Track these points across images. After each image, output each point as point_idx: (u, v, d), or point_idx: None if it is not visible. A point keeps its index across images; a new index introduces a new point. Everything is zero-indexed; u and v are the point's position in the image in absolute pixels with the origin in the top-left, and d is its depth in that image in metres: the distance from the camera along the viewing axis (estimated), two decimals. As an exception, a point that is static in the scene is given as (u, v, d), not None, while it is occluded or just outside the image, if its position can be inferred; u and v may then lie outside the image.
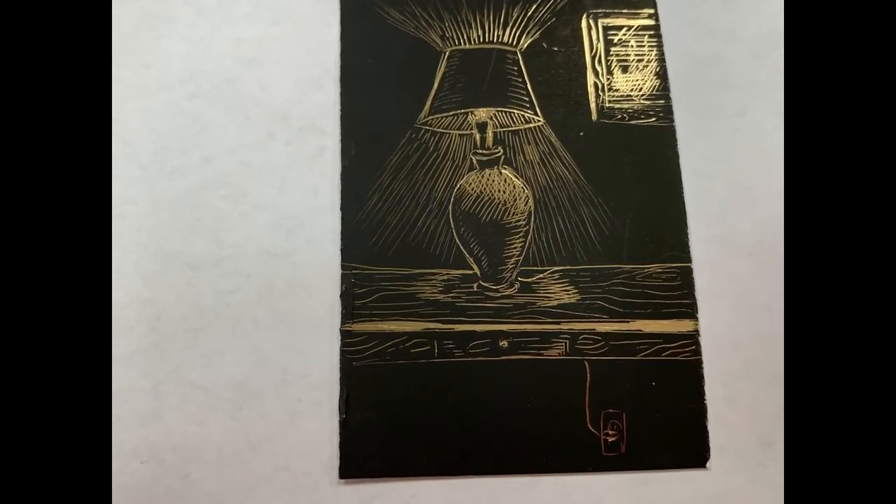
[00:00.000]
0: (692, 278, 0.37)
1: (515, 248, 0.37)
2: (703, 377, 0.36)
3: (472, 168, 0.39)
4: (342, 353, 0.35)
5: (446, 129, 0.39)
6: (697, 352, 0.36)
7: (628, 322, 0.36)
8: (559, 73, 0.40)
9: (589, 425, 0.35)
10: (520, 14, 0.41)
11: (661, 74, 0.41)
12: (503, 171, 0.39)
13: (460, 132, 0.39)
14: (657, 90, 0.40)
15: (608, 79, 0.40)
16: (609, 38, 0.41)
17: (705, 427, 0.35)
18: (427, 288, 0.36)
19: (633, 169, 0.39)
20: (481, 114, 0.39)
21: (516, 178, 0.39)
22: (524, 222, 0.38)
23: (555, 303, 0.37)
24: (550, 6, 0.41)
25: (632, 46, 0.41)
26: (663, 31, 0.41)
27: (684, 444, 0.35)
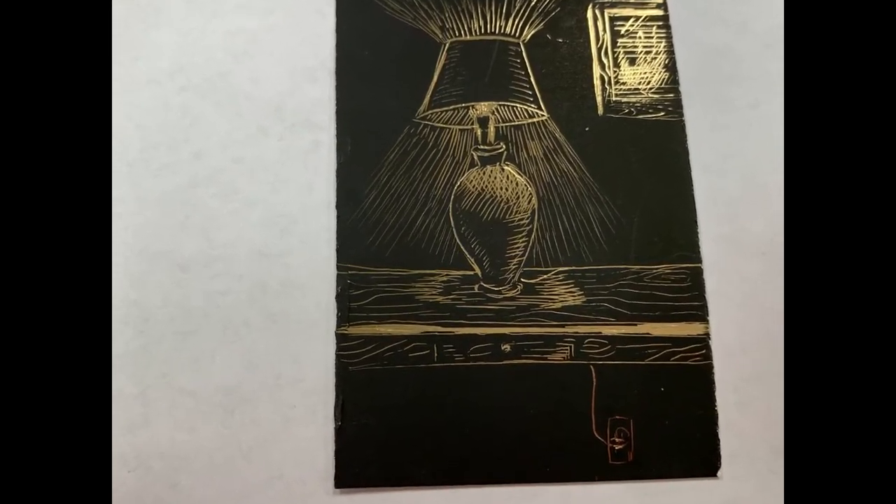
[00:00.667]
0: (702, 279, 0.37)
1: (518, 247, 0.37)
2: (713, 382, 0.36)
3: (473, 164, 0.38)
4: (338, 357, 0.35)
5: (446, 123, 0.39)
6: (708, 356, 0.36)
7: (636, 325, 0.36)
8: (564, 65, 0.40)
9: (595, 432, 0.34)
10: (523, 4, 0.41)
11: (670, 67, 0.40)
12: (505, 167, 0.38)
13: (461, 127, 0.39)
14: (666, 83, 0.40)
15: (615, 71, 0.40)
16: (616, 28, 0.41)
17: (716, 434, 0.35)
18: (426, 289, 0.36)
19: (641, 165, 0.38)
20: (483, 108, 0.39)
21: (519, 174, 0.38)
22: (527, 221, 0.38)
23: (559, 305, 0.36)
24: (555, -4, 0.41)
25: (639, 38, 0.41)
26: (672, 21, 0.41)
27: (694, 452, 0.35)
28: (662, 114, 0.39)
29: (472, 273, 0.37)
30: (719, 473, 0.34)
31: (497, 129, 0.39)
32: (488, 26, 0.40)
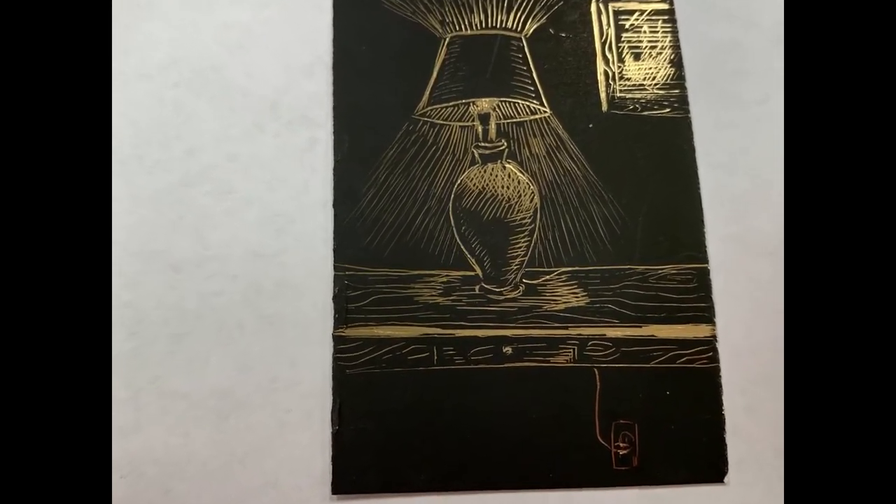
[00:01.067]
0: (709, 280, 0.36)
1: (520, 247, 0.37)
2: (720, 386, 0.35)
3: (473, 162, 0.38)
4: (335, 360, 0.35)
5: (446, 120, 0.38)
6: (715, 359, 0.35)
7: (641, 327, 0.36)
8: (567, 60, 0.39)
9: (599, 437, 0.34)
10: (525, -3, 0.41)
11: (676, 62, 0.40)
12: (507, 165, 0.38)
13: (461, 124, 0.38)
14: (672, 79, 0.39)
15: (619, 66, 0.39)
16: (620, 23, 0.40)
17: (723, 439, 0.34)
18: (426, 290, 0.36)
19: (647, 163, 0.38)
20: (484, 104, 0.38)
21: (521, 172, 0.38)
22: (529, 220, 0.37)
23: (562, 306, 0.36)
24: (558, -11, 0.41)
25: (644, 32, 0.40)
26: (678, 15, 0.40)
27: (701, 458, 0.34)
28: (668, 110, 0.39)
29: (472, 274, 0.36)
30: (726, 479, 0.34)
31: (498, 125, 0.38)
32: (489, 20, 0.40)
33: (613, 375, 0.35)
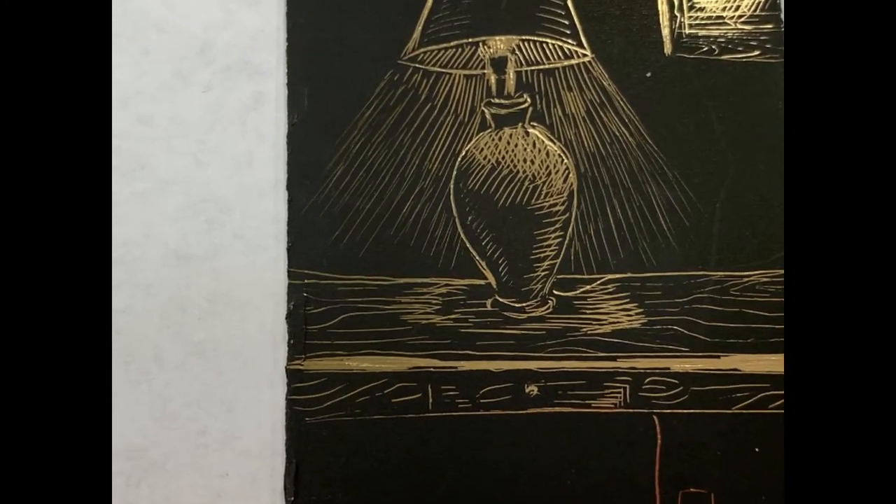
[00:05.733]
0: None
1: (549, 246, 0.35)
2: None
3: (484, 126, 0.36)
4: (289, 404, 0.33)
5: (446, 67, 0.36)
6: None
7: (718, 358, 0.34)
8: None
9: None
10: None
11: None
12: (531, 130, 0.36)
13: (467, 72, 0.36)
14: (762, 8, 0.37)
15: None
16: (689, -68, 0.37)
17: None
18: (417, 306, 0.34)
19: (726, 127, 0.35)
20: (498, 45, 0.36)
21: (551, 140, 0.36)
22: (562, 208, 0.35)
23: (609, 329, 0.34)
24: None
25: None
26: (769, -79, 0.37)
27: None
28: (757, 53, 0.36)
29: (482, 282, 0.35)
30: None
31: (519, 74, 0.36)
32: (506, -72, 0.36)
33: (680, 425, 0.33)
